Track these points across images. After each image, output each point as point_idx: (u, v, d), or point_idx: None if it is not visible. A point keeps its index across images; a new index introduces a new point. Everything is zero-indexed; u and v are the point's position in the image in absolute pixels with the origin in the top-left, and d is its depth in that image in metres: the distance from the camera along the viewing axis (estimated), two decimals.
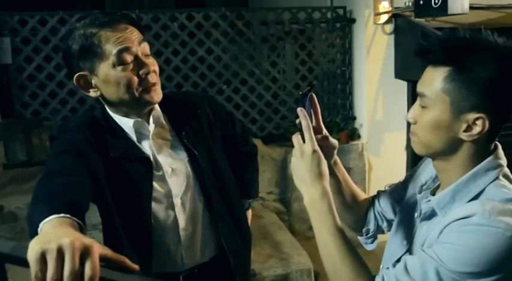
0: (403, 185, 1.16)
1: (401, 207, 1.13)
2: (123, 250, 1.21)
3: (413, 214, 1.05)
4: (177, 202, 1.29)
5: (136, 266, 0.72)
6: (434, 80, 0.88)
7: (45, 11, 3.64)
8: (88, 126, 1.23)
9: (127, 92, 1.18)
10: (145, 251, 1.25)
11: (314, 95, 1.05)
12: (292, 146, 1.01)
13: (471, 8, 3.10)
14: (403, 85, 3.78)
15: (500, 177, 0.90)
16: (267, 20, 4.03)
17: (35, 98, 3.70)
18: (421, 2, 3.16)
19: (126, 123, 1.25)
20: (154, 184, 1.26)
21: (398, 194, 1.16)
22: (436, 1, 3.03)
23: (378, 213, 1.19)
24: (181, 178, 1.30)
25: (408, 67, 3.56)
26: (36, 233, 0.83)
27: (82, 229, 0.87)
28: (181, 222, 1.30)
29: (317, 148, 0.96)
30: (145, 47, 1.23)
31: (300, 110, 0.99)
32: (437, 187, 1.01)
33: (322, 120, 1.13)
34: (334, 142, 1.10)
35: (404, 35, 3.68)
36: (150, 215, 1.25)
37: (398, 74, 3.72)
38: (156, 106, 1.29)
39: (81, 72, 1.20)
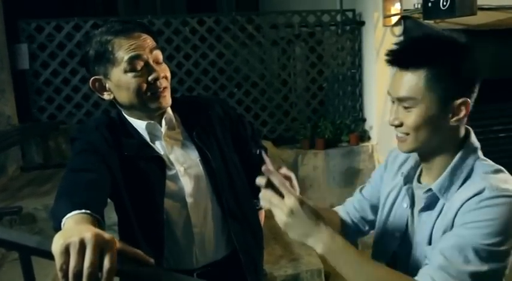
0: (375, 184, 1.24)
1: (383, 204, 1.19)
2: (137, 244, 1.26)
3: (400, 206, 1.12)
4: (189, 200, 1.34)
5: (151, 260, 0.77)
6: (416, 81, 0.97)
7: (60, 18, 3.75)
8: (105, 126, 1.30)
9: (136, 96, 1.25)
10: (157, 247, 1.30)
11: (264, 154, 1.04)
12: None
13: (480, 9, 3.10)
14: None
15: (481, 154, 1.03)
16: (277, 23, 4.08)
17: (51, 102, 3.80)
18: (430, 4, 3.17)
19: (140, 125, 1.32)
20: (168, 182, 1.31)
21: (372, 194, 1.24)
22: (445, 3, 3.04)
23: (357, 220, 1.25)
24: (193, 177, 1.35)
25: None
26: (59, 227, 0.89)
27: (101, 224, 0.92)
28: (194, 220, 1.35)
29: (298, 196, 0.91)
30: (157, 54, 1.28)
31: (265, 169, 0.92)
32: (420, 175, 1.10)
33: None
34: (287, 174, 1.06)
35: None
36: (163, 212, 1.30)
37: None
38: (168, 109, 1.35)
39: (96, 76, 1.27)
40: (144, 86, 1.24)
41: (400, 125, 1.01)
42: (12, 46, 3.73)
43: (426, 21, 3.42)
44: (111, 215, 1.33)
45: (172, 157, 1.34)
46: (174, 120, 1.36)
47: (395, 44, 1.02)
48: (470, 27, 3.33)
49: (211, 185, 1.37)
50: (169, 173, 1.32)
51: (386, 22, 3.80)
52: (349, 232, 1.25)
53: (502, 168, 1.00)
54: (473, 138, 1.05)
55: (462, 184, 0.99)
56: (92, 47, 1.25)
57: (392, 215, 1.14)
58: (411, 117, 0.99)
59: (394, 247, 1.11)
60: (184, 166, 1.34)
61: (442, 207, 1.01)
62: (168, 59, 3.79)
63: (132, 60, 1.22)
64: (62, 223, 0.90)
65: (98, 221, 0.91)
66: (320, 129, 3.98)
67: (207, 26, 3.88)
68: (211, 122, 1.41)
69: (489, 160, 1.03)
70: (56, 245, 0.73)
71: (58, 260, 0.72)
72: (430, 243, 1.02)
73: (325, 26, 4.08)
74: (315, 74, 4.14)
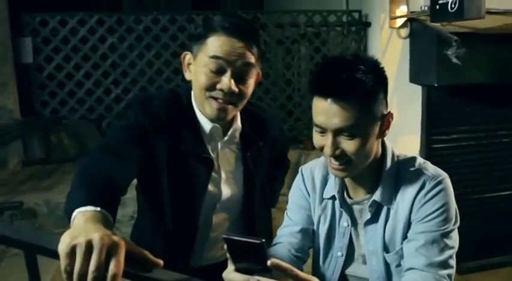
0: (302, 207, 1.20)
1: (316, 228, 1.18)
2: (165, 236, 1.26)
3: (340, 226, 1.13)
4: (219, 205, 1.33)
5: (160, 262, 0.75)
6: (353, 108, 0.96)
7: (65, 12, 3.72)
8: (167, 112, 1.25)
9: (200, 92, 1.21)
10: (187, 242, 1.30)
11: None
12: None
13: (487, 12, 3.08)
14: (417, 89, 3.77)
15: (395, 151, 1.12)
16: (282, 22, 4.05)
17: (54, 97, 3.78)
18: (437, 7, 3.15)
19: (203, 122, 1.27)
20: (209, 184, 1.29)
21: (305, 218, 1.20)
22: (453, 5, 3.01)
23: (301, 253, 1.18)
24: (232, 187, 1.34)
25: (423, 71, 3.55)
26: (70, 215, 0.85)
27: (111, 222, 0.88)
28: (215, 224, 1.34)
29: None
30: (247, 70, 1.20)
31: (272, 263, 0.76)
32: (345, 192, 1.12)
33: None
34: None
35: (419, 40, 3.67)
36: (200, 212, 1.29)
37: (413, 79, 3.71)
38: (239, 120, 1.32)
39: (188, 52, 1.26)
40: (208, 87, 1.19)
41: (342, 154, 1.00)
42: (16, 39, 3.71)
43: (433, 23, 3.40)
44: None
45: (221, 163, 1.32)
46: (238, 132, 1.33)
47: (319, 75, 1.01)
48: (477, 30, 3.31)
49: (245, 198, 1.37)
50: (214, 175, 1.31)
51: (393, 24, 3.77)
52: None
53: (414, 154, 1.11)
54: (386, 141, 1.11)
55: (396, 185, 1.06)
56: (201, 26, 1.23)
57: (332, 236, 1.15)
58: (354, 145, 0.98)
59: (341, 266, 1.14)
60: (228, 175, 1.33)
61: (387, 214, 1.06)
62: (172, 56, 3.77)
63: (213, 60, 1.17)
64: (73, 216, 0.85)
65: (108, 219, 0.87)
66: None
67: None
68: (266, 143, 1.39)
69: (400, 152, 1.12)
70: (63, 245, 0.71)
71: (63, 261, 0.70)
72: (386, 250, 1.06)
73: (331, 26, 4.06)
74: None
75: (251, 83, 1.24)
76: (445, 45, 3.19)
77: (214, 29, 1.18)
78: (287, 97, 4.13)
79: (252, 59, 1.21)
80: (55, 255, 0.72)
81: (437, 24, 3.39)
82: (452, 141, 3.50)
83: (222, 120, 1.26)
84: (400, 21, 3.75)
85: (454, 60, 3.14)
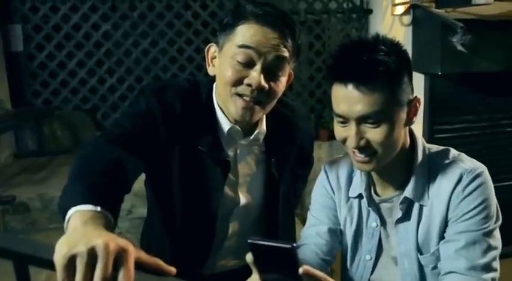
0: (328, 207, 1.13)
1: (343, 230, 1.10)
2: (177, 240, 1.17)
3: (368, 227, 1.05)
4: (236, 211, 1.23)
5: (173, 269, 0.66)
6: (378, 92, 0.89)
7: None
8: (183, 104, 1.13)
9: (223, 87, 1.10)
10: (202, 251, 1.21)
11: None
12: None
13: None
14: (420, 78, 3.70)
15: (425, 143, 1.04)
16: (282, 9, 3.94)
17: (46, 86, 3.64)
18: None
19: (222, 121, 1.16)
20: (225, 188, 1.19)
21: (332, 218, 1.13)
22: None
23: (330, 256, 1.11)
24: (251, 192, 1.24)
25: (426, 59, 3.48)
26: (64, 212, 0.76)
27: (113, 225, 0.79)
28: (231, 232, 1.25)
29: None
30: (279, 64, 1.09)
31: (304, 271, 0.70)
32: (372, 189, 1.04)
33: None
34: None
35: (422, 27, 3.58)
36: (216, 217, 1.18)
37: (416, 67, 3.59)
38: (264, 123, 1.20)
39: (214, 43, 1.15)
40: (236, 83, 1.07)
41: (367, 145, 0.92)
42: (5, 27, 3.55)
43: (437, 10, 3.32)
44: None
45: (239, 166, 1.20)
46: (262, 136, 1.20)
47: (336, 60, 0.94)
48: (483, 17, 3.22)
49: (266, 208, 1.26)
50: (231, 178, 1.20)
51: (395, 11, 3.69)
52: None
53: (447, 147, 1.03)
54: (414, 131, 1.04)
55: (429, 179, 0.98)
56: (230, 13, 1.13)
57: (359, 238, 1.08)
58: (380, 133, 0.91)
59: (370, 271, 1.07)
60: (247, 179, 1.22)
61: (420, 212, 0.97)
62: (168, 44, 3.65)
63: (242, 50, 1.05)
64: (69, 215, 0.75)
65: (110, 221, 0.77)
66: (324, 120, 3.87)
67: (210, 11, 3.74)
68: (293, 150, 1.28)
69: (431, 144, 1.05)
70: (59, 255, 0.61)
71: (60, 274, 0.60)
72: (420, 251, 0.97)
73: (331, 14, 3.96)
74: (319, 63, 4.01)
75: (283, 81, 1.13)
76: (450, 33, 3.12)
77: (245, 16, 1.07)
78: (287, 87, 4.02)
79: (286, 53, 1.09)
80: (51, 266, 0.62)
81: (441, 11, 3.31)
82: (455, 131, 3.45)
83: (246, 122, 1.14)
84: (402, 8, 3.66)
85: (459, 47, 3.07)
